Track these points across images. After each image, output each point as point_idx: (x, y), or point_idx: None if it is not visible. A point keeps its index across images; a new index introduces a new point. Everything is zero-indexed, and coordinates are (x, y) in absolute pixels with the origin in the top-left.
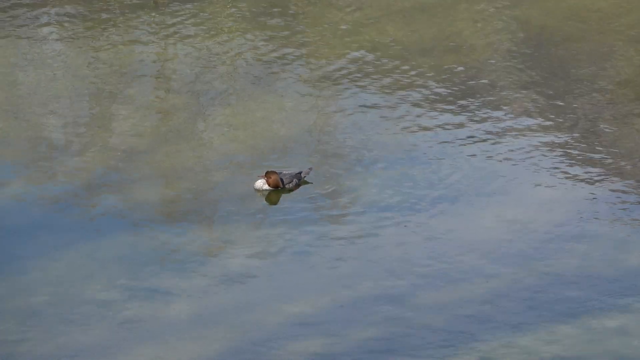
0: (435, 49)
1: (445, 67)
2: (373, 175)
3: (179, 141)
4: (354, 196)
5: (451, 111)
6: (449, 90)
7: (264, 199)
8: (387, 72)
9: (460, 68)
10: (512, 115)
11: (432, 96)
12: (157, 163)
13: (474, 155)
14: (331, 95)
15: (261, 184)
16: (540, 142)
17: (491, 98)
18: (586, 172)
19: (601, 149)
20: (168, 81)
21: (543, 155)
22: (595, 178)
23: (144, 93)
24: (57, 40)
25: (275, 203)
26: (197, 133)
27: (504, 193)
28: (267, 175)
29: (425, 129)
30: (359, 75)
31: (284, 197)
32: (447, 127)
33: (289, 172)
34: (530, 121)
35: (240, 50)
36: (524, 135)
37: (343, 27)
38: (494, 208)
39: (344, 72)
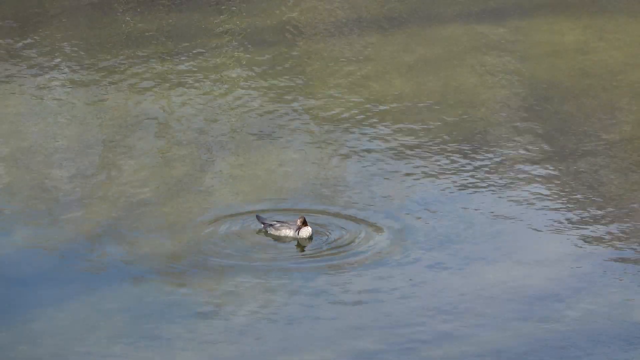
0: (442, 102)
1: (451, 120)
2: (377, 228)
3: (183, 192)
4: (359, 249)
5: (456, 165)
6: (453, 145)
7: (265, 250)
8: (393, 125)
9: (466, 122)
10: (516, 170)
11: (437, 150)
12: (161, 214)
13: (479, 209)
14: (337, 148)
15: (308, 232)
16: (544, 197)
17: (496, 152)
18: (588, 228)
19: (604, 204)
20: (173, 132)
21: (546, 210)
22: (598, 234)
23: (149, 144)
24: (63, 90)
25: (280, 254)
26: (202, 184)
27: (506, 247)
28: (304, 223)
29: (430, 182)
30: (364, 128)
31: (288, 249)
32: (454, 180)
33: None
34: (534, 176)
35: (245, 102)
36: (528, 191)
37: (349, 80)
38: (494, 263)
39: (349, 124)
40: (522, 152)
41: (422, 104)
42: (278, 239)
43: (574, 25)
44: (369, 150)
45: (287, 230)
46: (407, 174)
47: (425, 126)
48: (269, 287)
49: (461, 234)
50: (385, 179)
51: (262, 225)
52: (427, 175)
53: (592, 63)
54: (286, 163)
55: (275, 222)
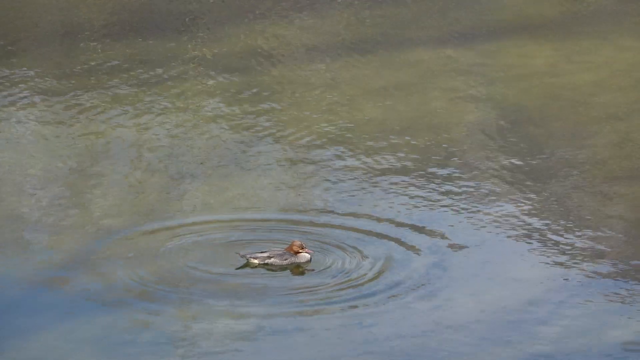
0: (412, 127)
1: (421, 145)
2: (348, 256)
3: (155, 221)
4: (332, 276)
5: (427, 191)
6: (424, 169)
7: (242, 277)
8: (364, 151)
9: (437, 147)
10: (487, 194)
11: (409, 175)
12: (132, 243)
13: (447, 237)
14: (308, 174)
15: (308, 256)
16: (515, 222)
17: (466, 177)
18: (561, 253)
19: (576, 229)
20: (144, 160)
21: (517, 235)
22: (570, 259)
23: (120, 172)
24: (32, 119)
25: (254, 282)
26: (174, 213)
27: (478, 274)
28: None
29: (401, 209)
30: (336, 155)
31: (264, 276)
32: (422, 207)
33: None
34: (505, 201)
35: (214, 130)
36: (499, 215)
37: (319, 106)
38: (467, 289)
39: (321, 151)
40: (494, 175)
41: (392, 129)
42: (275, 267)
43: (542, 48)
44: (341, 179)
45: (291, 257)
46: (381, 199)
47: (395, 151)
48: (243, 315)
49: (432, 259)
50: (359, 205)
51: (250, 260)
52: (399, 201)
53: (562, 85)
54: (258, 190)
55: (264, 252)
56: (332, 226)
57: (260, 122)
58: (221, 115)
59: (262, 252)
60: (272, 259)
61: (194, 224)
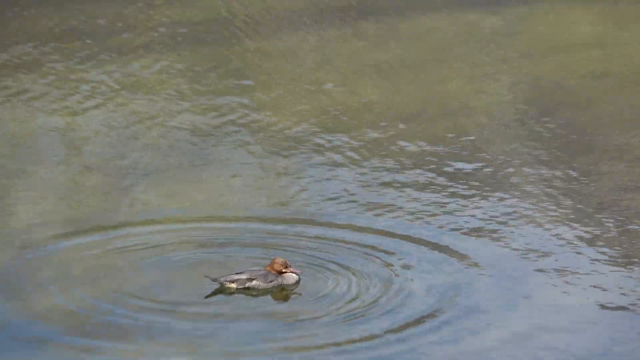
0: (422, 114)
1: (435, 136)
2: (343, 275)
3: (95, 233)
4: (321, 302)
5: (442, 195)
6: (439, 166)
7: (202, 304)
8: (361, 143)
9: (454, 138)
10: (520, 199)
11: (418, 174)
12: (66, 260)
13: (467, 254)
14: (293, 172)
15: (295, 277)
16: (556, 234)
17: (493, 176)
18: (615, 276)
19: (634, 246)
20: (82, 156)
21: (560, 251)
22: (628, 283)
23: (52, 171)
24: None
25: (225, 312)
26: (121, 223)
27: (511, 299)
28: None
29: (410, 217)
30: (323, 147)
31: (237, 305)
32: (438, 213)
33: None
34: (543, 207)
35: (175, 116)
36: (535, 226)
37: (305, 85)
38: (500, 315)
39: (304, 142)
40: (525, 174)
41: (397, 115)
42: (258, 292)
43: (586, 12)
44: (334, 178)
45: (276, 279)
46: (384, 205)
47: (401, 143)
48: (200, 349)
49: (448, 280)
50: (357, 212)
51: (225, 284)
52: (407, 207)
53: (611, 59)
54: (230, 192)
55: (242, 274)
56: (324, 239)
57: (233, 107)
58: (185, 97)
59: (237, 273)
60: (255, 282)
61: (146, 234)
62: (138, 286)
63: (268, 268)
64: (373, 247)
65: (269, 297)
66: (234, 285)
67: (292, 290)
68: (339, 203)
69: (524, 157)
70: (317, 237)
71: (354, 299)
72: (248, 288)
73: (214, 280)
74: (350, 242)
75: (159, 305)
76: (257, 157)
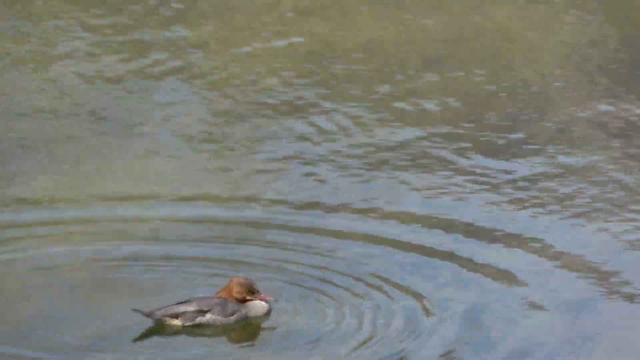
0: (448, 57)
1: (466, 94)
2: (335, 303)
3: None
4: (313, 347)
5: (488, 157)
6: (480, 123)
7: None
8: (357, 103)
9: (493, 97)
10: (594, 171)
11: (437, 153)
12: None
13: (504, 268)
14: (250, 139)
15: (266, 305)
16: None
17: (558, 134)
18: None
19: None
20: None
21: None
22: None
23: None
24: None
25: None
26: (15, 227)
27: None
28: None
29: (429, 211)
30: (306, 111)
31: (168, 346)
32: (461, 207)
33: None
34: (620, 179)
35: (80, 72)
36: (615, 207)
37: (277, 21)
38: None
39: (276, 107)
40: (608, 154)
41: (408, 61)
42: (215, 328)
43: None
44: (314, 159)
45: (239, 309)
46: (390, 193)
47: (417, 104)
48: None
49: (481, 306)
50: (354, 186)
51: (167, 321)
52: (420, 196)
53: None
54: (155, 175)
55: (188, 304)
56: (299, 250)
57: (167, 53)
58: (91, 50)
59: (180, 303)
60: (209, 315)
61: (36, 237)
62: (24, 322)
63: (224, 294)
64: (386, 260)
65: (228, 336)
66: (178, 322)
67: (262, 325)
68: (330, 189)
69: (596, 126)
70: (304, 231)
71: (367, 343)
72: (199, 325)
73: (148, 315)
74: (348, 258)
75: (55, 355)
76: (200, 124)
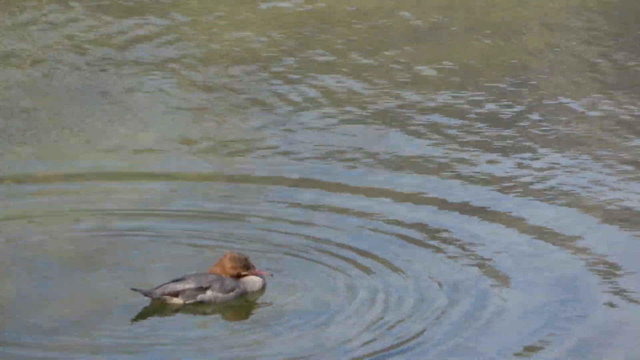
0: (447, 28)
1: (481, 58)
2: (333, 278)
3: None
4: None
5: (485, 141)
6: (480, 114)
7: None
8: (358, 68)
9: (511, 68)
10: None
11: (446, 121)
12: None
13: (521, 249)
14: (233, 115)
15: (260, 281)
16: None
17: (564, 116)
18: None
19: None
20: None
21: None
22: None
23: None
24: None
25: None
26: None
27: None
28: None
29: (438, 186)
30: (294, 67)
31: (167, 325)
32: (476, 182)
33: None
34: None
35: (49, 43)
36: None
37: None
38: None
39: (260, 62)
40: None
41: (409, 33)
42: (216, 305)
43: None
44: (310, 121)
45: (237, 285)
46: (395, 171)
47: (413, 68)
48: None
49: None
50: (349, 175)
51: (167, 300)
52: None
53: None
54: (138, 141)
55: (186, 282)
56: (297, 223)
57: (136, 20)
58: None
59: (176, 281)
60: (210, 293)
61: (7, 219)
62: (8, 301)
63: (218, 270)
64: (391, 233)
65: (224, 314)
66: (179, 301)
67: (257, 301)
68: (325, 163)
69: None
70: (300, 206)
71: (378, 322)
72: (200, 303)
73: (147, 294)
74: (349, 229)
75: (45, 340)
76: (189, 80)
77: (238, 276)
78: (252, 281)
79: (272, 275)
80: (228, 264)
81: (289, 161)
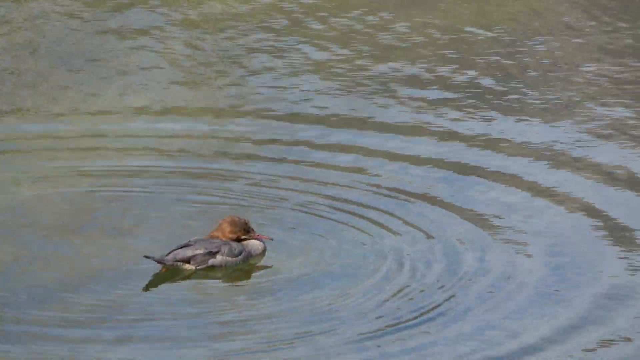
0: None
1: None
2: (336, 240)
3: None
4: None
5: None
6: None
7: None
8: (342, 30)
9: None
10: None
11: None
12: None
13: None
14: (223, 78)
15: (261, 245)
16: None
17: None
18: None
19: None
20: None
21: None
22: None
23: None
24: None
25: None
26: None
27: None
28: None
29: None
30: (281, 33)
31: (180, 291)
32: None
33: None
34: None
35: (36, 9)
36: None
37: None
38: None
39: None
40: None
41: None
42: (227, 269)
43: None
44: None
45: (244, 249)
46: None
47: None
48: None
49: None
50: (352, 134)
51: (180, 265)
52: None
53: None
54: (129, 102)
55: (194, 247)
56: (299, 180)
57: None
58: None
59: (184, 246)
60: (220, 257)
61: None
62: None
63: (218, 235)
64: (394, 192)
65: (227, 279)
66: (191, 267)
67: (256, 264)
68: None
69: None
70: (289, 177)
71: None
72: (211, 267)
73: (160, 261)
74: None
75: (61, 310)
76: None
77: (238, 240)
78: (254, 245)
79: (271, 239)
80: (228, 228)
81: (289, 125)
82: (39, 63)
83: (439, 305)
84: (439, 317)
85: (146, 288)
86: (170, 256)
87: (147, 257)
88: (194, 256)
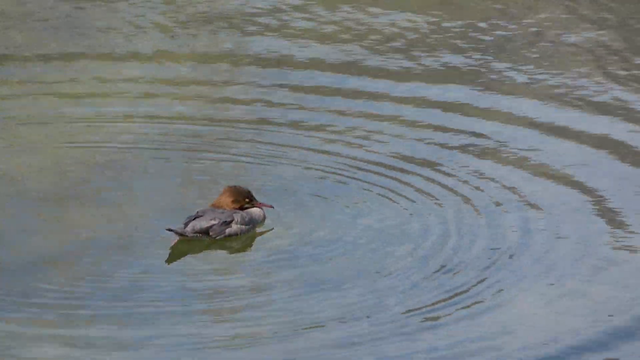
0: None
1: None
2: (335, 209)
3: None
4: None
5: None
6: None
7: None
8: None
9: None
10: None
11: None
12: None
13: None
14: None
15: (261, 213)
16: None
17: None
18: None
19: None
20: None
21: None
22: None
23: None
24: None
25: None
26: None
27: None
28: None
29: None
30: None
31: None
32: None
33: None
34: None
35: None
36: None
37: None
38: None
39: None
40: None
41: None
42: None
43: None
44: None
45: (251, 218)
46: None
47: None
48: None
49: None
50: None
51: (196, 236)
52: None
53: None
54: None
55: (205, 218)
56: (294, 148)
57: None
58: None
59: (196, 218)
60: (235, 226)
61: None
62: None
63: (222, 205)
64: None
65: (234, 250)
66: (209, 237)
67: (260, 229)
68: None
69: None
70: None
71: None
72: (228, 237)
73: (181, 234)
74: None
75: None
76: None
77: (240, 209)
78: (256, 213)
79: (272, 206)
80: (230, 198)
81: (289, 93)
82: (22, 35)
83: (484, 279)
84: (492, 287)
85: (169, 261)
86: (188, 228)
87: (169, 229)
88: (211, 227)
